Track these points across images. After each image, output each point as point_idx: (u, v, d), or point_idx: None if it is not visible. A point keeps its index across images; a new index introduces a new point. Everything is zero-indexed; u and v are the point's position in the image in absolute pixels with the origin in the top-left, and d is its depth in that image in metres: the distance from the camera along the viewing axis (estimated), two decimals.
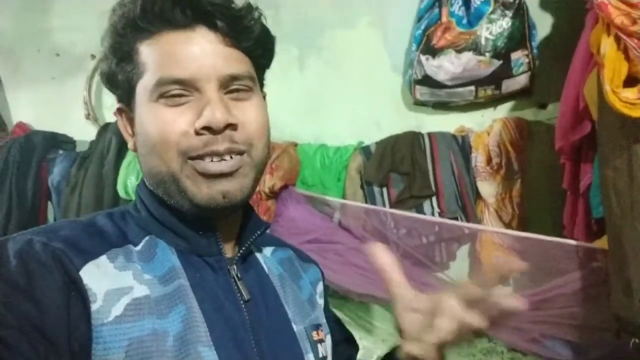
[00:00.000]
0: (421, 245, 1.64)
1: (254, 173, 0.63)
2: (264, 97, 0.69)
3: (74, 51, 2.45)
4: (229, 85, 0.61)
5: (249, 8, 0.62)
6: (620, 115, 0.99)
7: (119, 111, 0.66)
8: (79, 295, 0.51)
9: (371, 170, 1.75)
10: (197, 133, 0.58)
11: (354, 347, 0.84)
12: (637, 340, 0.97)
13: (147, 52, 0.60)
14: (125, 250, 0.58)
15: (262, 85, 0.69)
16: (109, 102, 2.37)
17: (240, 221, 0.68)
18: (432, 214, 1.68)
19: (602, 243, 1.20)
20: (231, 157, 0.60)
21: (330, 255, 1.61)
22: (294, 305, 0.70)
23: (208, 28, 0.60)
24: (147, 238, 0.61)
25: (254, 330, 0.61)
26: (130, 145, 0.66)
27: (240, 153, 0.61)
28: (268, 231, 0.72)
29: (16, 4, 2.54)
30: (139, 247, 0.59)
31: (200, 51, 0.59)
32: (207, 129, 0.58)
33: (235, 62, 0.61)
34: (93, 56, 2.40)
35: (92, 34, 2.36)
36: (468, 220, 1.65)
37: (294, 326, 0.68)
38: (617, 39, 0.93)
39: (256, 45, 0.63)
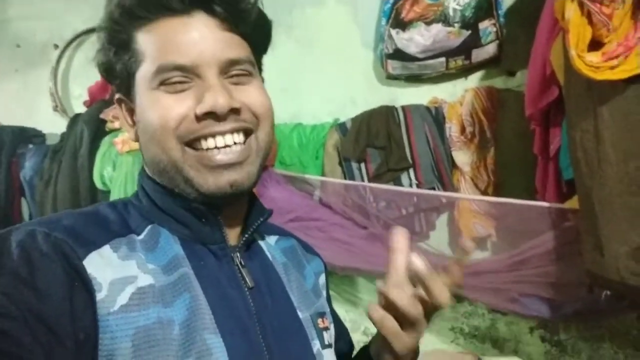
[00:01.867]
0: (401, 217, 1.68)
1: (260, 159, 0.63)
2: (262, 82, 0.69)
3: (36, 41, 2.38)
4: (229, 70, 0.60)
5: None
6: (586, 78, 1.03)
7: (119, 101, 0.65)
8: (83, 285, 0.51)
9: (348, 146, 1.77)
10: (198, 119, 0.58)
11: (351, 346, 0.84)
12: (608, 293, 1.02)
13: (145, 40, 0.59)
14: (128, 240, 0.57)
15: (260, 70, 0.69)
16: (77, 92, 2.32)
17: (245, 209, 0.68)
18: (410, 186, 1.71)
19: (572, 203, 1.25)
20: (235, 143, 0.59)
21: (313, 232, 1.63)
22: (299, 293, 0.70)
23: (206, 13, 0.59)
24: (149, 227, 0.60)
25: (259, 317, 0.61)
26: (131, 135, 0.65)
27: (248, 132, 0.61)
28: (270, 221, 0.72)
29: None
30: (141, 237, 0.59)
31: (199, 37, 0.58)
32: (210, 114, 0.57)
33: (235, 47, 0.61)
34: (56, 46, 2.34)
35: (53, 22, 2.31)
36: (445, 190, 1.69)
37: (299, 313, 0.67)
38: (581, 4, 0.96)
39: (254, 30, 0.63)
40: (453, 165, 1.72)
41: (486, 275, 1.32)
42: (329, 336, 0.71)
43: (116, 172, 1.75)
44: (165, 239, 0.60)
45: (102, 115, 1.89)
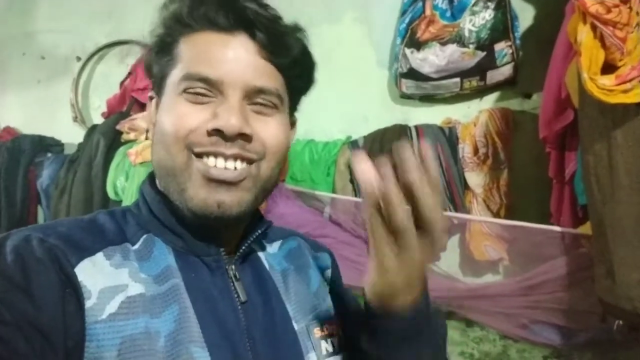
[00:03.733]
0: None
1: (257, 189, 0.61)
2: (294, 123, 0.69)
3: (59, 53, 2.45)
4: (254, 97, 0.60)
5: (294, 27, 0.63)
6: (599, 102, 1.01)
7: (150, 99, 0.66)
8: (74, 291, 0.51)
9: None
10: (209, 133, 0.58)
11: None
12: (621, 323, 0.99)
13: (184, 46, 0.61)
14: (122, 248, 0.58)
15: (294, 109, 0.69)
16: (96, 104, 2.37)
17: (244, 222, 0.67)
18: None
19: (586, 229, 1.22)
20: (235, 168, 0.59)
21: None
22: (297, 301, 0.68)
23: (247, 36, 0.60)
24: (144, 237, 0.60)
25: (249, 332, 0.60)
26: (150, 134, 0.66)
27: (250, 162, 0.60)
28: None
29: (0, 8, 2.53)
30: (136, 246, 0.59)
31: (234, 56, 0.59)
32: (219, 132, 0.57)
33: (266, 76, 0.60)
34: (79, 58, 2.40)
35: (76, 36, 2.38)
36: (457, 211, 1.66)
37: (294, 325, 0.66)
38: (593, 27, 0.95)
39: (293, 65, 0.63)
40: (465, 186, 1.70)
41: (496, 298, 1.29)
42: (332, 344, 0.68)
43: (128, 182, 1.77)
44: (160, 250, 0.60)
45: (118, 127, 1.93)
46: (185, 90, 0.58)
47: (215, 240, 0.62)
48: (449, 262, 1.70)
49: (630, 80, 0.92)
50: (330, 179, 1.84)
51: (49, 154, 2.20)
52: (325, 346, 0.68)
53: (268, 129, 0.61)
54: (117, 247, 0.57)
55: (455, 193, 1.67)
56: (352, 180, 1.81)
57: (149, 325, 0.53)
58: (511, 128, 1.71)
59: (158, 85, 0.63)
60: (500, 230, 1.48)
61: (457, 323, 1.85)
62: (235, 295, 0.61)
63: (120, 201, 1.82)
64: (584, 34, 0.95)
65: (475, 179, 1.65)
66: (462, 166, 1.69)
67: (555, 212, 1.53)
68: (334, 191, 1.82)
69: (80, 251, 0.54)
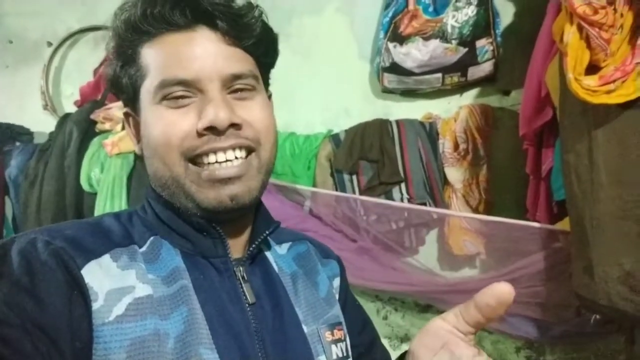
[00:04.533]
0: (391, 231, 1.66)
1: (262, 175, 0.63)
2: (270, 97, 0.69)
3: (29, 37, 2.35)
4: (231, 84, 0.60)
5: (249, 6, 0.62)
6: (582, 102, 1.03)
7: (126, 115, 0.66)
8: (81, 294, 0.51)
9: (341, 158, 1.76)
10: (200, 134, 0.58)
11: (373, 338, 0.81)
12: (597, 317, 1.02)
13: (149, 54, 0.59)
14: (129, 250, 0.57)
15: (267, 85, 0.69)
16: (68, 91, 2.29)
17: (250, 222, 0.67)
18: (402, 200, 1.70)
19: (563, 225, 1.25)
20: (236, 157, 0.59)
21: None
22: (307, 305, 0.68)
23: (209, 28, 0.59)
24: (151, 239, 0.60)
25: (259, 334, 0.60)
26: (137, 149, 0.65)
27: (249, 150, 0.61)
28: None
29: None
30: (143, 248, 0.59)
31: (202, 51, 0.58)
32: (210, 129, 0.57)
33: (238, 61, 0.60)
34: (50, 43, 2.31)
35: (47, 19, 2.28)
36: (436, 206, 1.68)
37: (304, 327, 0.65)
38: (580, 28, 0.96)
39: (258, 44, 0.62)
40: (445, 181, 1.72)
41: (474, 293, 1.31)
42: (342, 349, 0.68)
43: (104, 174, 1.72)
44: (167, 251, 0.60)
45: (92, 116, 1.86)
46: (164, 98, 0.58)
47: (222, 242, 0.62)
48: (427, 256, 1.72)
49: (613, 82, 0.94)
50: (311, 173, 1.83)
51: (18, 143, 2.12)
52: (336, 350, 0.67)
53: (254, 113, 0.61)
54: (124, 249, 0.57)
55: (435, 188, 1.69)
56: (333, 174, 1.81)
57: (157, 326, 0.53)
58: (491, 124, 1.73)
59: (132, 99, 0.62)
60: (479, 226, 1.51)
61: (433, 315, 1.87)
62: (244, 297, 0.61)
63: (95, 193, 1.76)
64: (571, 35, 0.96)
65: (455, 174, 1.67)
66: (442, 161, 1.71)
67: (531, 207, 1.56)
68: (314, 185, 1.81)
69: (86, 253, 0.54)
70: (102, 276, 0.53)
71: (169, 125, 0.58)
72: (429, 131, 1.78)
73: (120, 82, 0.62)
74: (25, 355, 0.47)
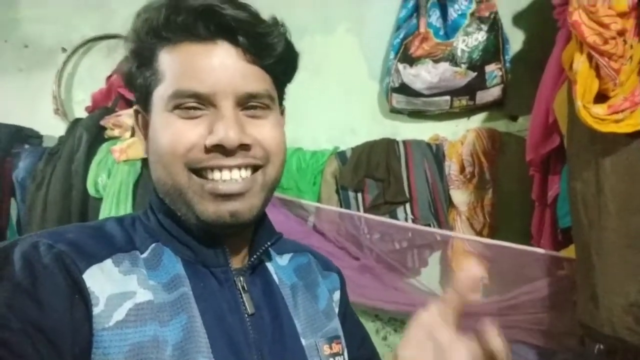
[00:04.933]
0: (394, 251, 1.66)
1: (265, 192, 0.62)
2: (283, 112, 0.69)
3: (44, 43, 2.38)
4: (246, 103, 0.60)
5: (274, 24, 0.61)
6: (590, 130, 1.04)
7: (136, 112, 0.66)
8: (82, 298, 0.51)
9: (347, 175, 1.77)
10: (207, 150, 0.57)
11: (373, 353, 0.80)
12: (601, 347, 1.01)
13: (167, 60, 0.59)
14: (131, 256, 0.57)
15: (282, 100, 0.69)
16: (80, 97, 2.32)
17: (252, 232, 0.67)
18: (406, 220, 1.70)
19: (568, 252, 1.24)
20: (241, 177, 0.59)
21: None
22: (306, 317, 0.68)
23: (230, 43, 0.59)
24: (153, 245, 0.60)
25: (258, 345, 0.60)
26: (143, 148, 0.65)
27: (256, 168, 0.61)
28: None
29: None
30: (145, 255, 0.59)
31: (220, 65, 0.58)
32: (219, 147, 0.57)
33: (255, 80, 0.60)
34: (64, 49, 2.34)
35: (63, 26, 2.32)
36: (440, 227, 1.68)
37: (302, 340, 0.65)
38: (589, 57, 0.98)
39: (278, 63, 0.62)
40: (450, 203, 1.72)
41: (476, 317, 1.30)
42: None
43: (111, 180, 1.73)
44: (168, 258, 0.60)
45: (102, 122, 1.88)
46: (176, 107, 0.58)
47: (224, 252, 0.62)
48: (429, 277, 1.72)
49: (622, 111, 0.95)
50: (317, 189, 1.84)
51: (27, 146, 2.13)
52: None
53: (265, 132, 0.61)
54: (125, 255, 0.57)
55: (439, 210, 1.69)
56: (338, 191, 1.81)
57: (157, 333, 0.53)
58: (497, 149, 1.74)
59: (144, 100, 0.62)
60: (483, 249, 1.50)
61: None
62: (244, 308, 0.61)
63: (100, 198, 1.77)
64: (580, 63, 0.97)
65: (460, 197, 1.67)
66: (448, 183, 1.71)
67: (536, 233, 1.56)
68: (319, 201, 1.81)
69: (88, 257, 0.53)
70: (104, 281, 0.53)
71: (177, 134, 0.57)
72: (436, 153, 1.78)
73: (134, 81, 0.62)
74: (26, 358, 0.46)
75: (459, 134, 1.82)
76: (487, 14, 1.71)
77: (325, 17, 2.00)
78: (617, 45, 0.95)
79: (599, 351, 1.02)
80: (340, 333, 0.71)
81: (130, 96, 1.99)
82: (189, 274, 0.59)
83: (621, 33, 0.95)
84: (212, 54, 0.58)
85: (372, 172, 1.75)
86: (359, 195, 1.77)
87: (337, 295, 0.76)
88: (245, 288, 0.62)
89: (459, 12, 1.74)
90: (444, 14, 1.77)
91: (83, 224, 0.61)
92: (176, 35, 0.58)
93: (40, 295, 0.49)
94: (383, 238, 1.66)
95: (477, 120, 1.85)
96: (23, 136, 2.17)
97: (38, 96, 2.35)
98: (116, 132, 1.86)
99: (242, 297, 0.61)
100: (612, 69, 0.96)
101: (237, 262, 0.64)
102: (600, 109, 0.97)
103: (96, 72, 2.24)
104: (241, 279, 0.62)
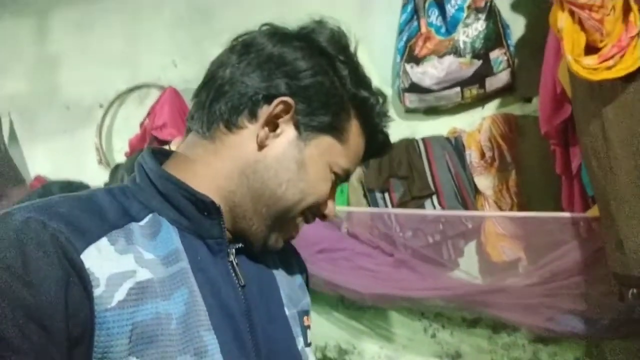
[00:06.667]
0: (428, 245, 1.68)
1: None
2: None
3: (83, 103, 2.61)
4: None
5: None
6: (589, 85, 1.07)
7: (286, 105, 0.61)
8: (80, 280, 0.49)
9: (371, 177, 1.82)
10: (307, 215, 0.66)
11: None
12: (635, 291, 0.99)
13: (353, 130, 0.65)
14: (125, 232, 0.55)
15: None
16: (119, 146, 2.50)
17: None
18: None
19: (595, 211, 1.24)
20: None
21: (339, 262, 1.66)
22: (288, 289, 0.71)
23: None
24: (150, 215, 0.58)
25: (249, 316, 0.61)
26: (257, 132, 0.61)
27: None
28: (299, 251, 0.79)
29: (29, 64, 2.73)
30: (142, 223, 0.57)
31: None
32: (322, 216, 0.67)
33: None
34: (101, 105, 2.55)
35: (99, 84, 2.54)
36: None
37: (286, 310, 0.68)
38: (571, 13, 1.02)
39: None
40: (476, 191, 1.74)
41: (515, 290, 1.30)
42: (309, 336, 0.72)
43: None
44: (166, 230, 0.58)
45: None
46: (336, 174, 0.65)
47: (220, 224, 0.61)
48: (467, 267, 1.72)
49: (612, 57, 0.98)
50: (345, 197, 1.89)
51: None
52: (309, 335, 0.71)
53: None
54: (120, 231, 0.55)
55: (467, 198, 1.71)
56: (366, 195, 1.86)
57: (159, 309, 0.52)
58: (515, 131, 1.76)
59: (310, 118, 0.62)
60: (514, 229, 1.51)
61: (483, 330, 1.84)
62: (236, 279, 0.62)
63: None
64: (563, 20, 1.02)
65: (485, 182, 1.69)
66: (471, 171, 1.73)
67: (567, 207, 1.55)
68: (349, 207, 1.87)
69: (84, 236, 0.51)
70: (102, 261, 0.51)
71: (324, 194, 0.64)
72: (455, 145, 1.82)
73: (323, 95, 0.62)
74: (13, 347, 0.46)
75: (475, 124, 1.85)
76: (482, 4, 1.77)
77: None
78: None
79: (634, 295, 1.00)
80: (310, 309, 0.76)
81: (163, 136, 2.14)
82: (185, 246, 0.58)
83: None
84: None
85: (395, 171, 1.80)
86: (386, 195, 1.82)
87: (305, 277, 0.80)
88: (237, 260, 0.63)
89: (456, 7, 1.81)
90: (443, 12, 1.84)
91: (72, 195, 0.57)
92: (379, 122, 0.68)
93: (32, 278, 0.47)
94: (416, 234, 1.68)
95: (491, 108, 1.87)
96: (73, 188, 2.32)
97: (82, 151, 2.55)
98: None
99: (234, 269, 0.62)
100: (594, 20, 0.99)
101: (228, 234, 0.64)
102: (591, 60, 1.00)
103: (131, 121, 2.42)
104: (233, 251, 0.63)
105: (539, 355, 1.75)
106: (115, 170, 2.11)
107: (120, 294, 0.51)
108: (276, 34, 0.63)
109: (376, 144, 0.68)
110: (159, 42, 2.46)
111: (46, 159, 2.66)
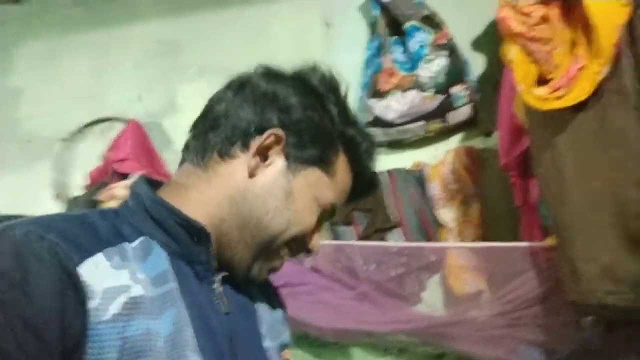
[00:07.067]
0: (391, 279, 1.65)
1: None
2: None
3: (44, 136, 2.54)
4: None
5: None
6: (542, 114, 1.09)
7: (277, 136, 0.64)
8: (75, 292, 0.50)
9: None
10: (291, 245, 0.67)
11: None
12: (591, 319, 0.98)
13: (340, 165, 0.68)
14: (119, 249, 0.56)
15: None
16: (78, 181, 2.42)
17: None
18: None
19: (553, 241, 1.24)
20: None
21: (302, 297, 1.61)
22: (270, 322, 0.72)
23: None
24: (141, 238, 0.60)
25: (231, 343, 0.62)
26: (246, 162, 0.64)
27: None
28: None
29: None
30: (134, 244, 0.58)
31: None
32: (306, 250, 0.68)
33: None
34: (64, 139, 2.49)
35: (62, 118, 2.49)
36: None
37: (267, 342, 0.69)
38: (523, 46, 1.05)
39: None
40: (439, 224, 1.73)
41: (478, 323, 1.28)
42: None
43: None
44: (157, 253, 0.60)
45: (97, 197, 1.96)
46: (322, 208, 0.66)
47: (207, 250, 0.63)
48: (431, 300, 1.68)
49: (561, 87, 1.00)
50: None
51: None
52: None
53: None
54: (114, 249, 0.56)
55: (429, 231, 1.70)
56: (330, 229, 1.84)
57: (150, 326, 0.54)
58: (477, 163, 1.78)
59: (299, 150, 0.65)
60: (476, 260, 1.50)
61: None
62: (220, 306, 0.64)
63: None
64: (514, 52, 1.04)
65: (447, 214, 1.69)
66: (434, 204, 1.73)
67: (526, 238, 1.55)
68: None
69: (81, 250, 0.53)
70: (98, 274, 0.52)
71: (310, 225, 0.65)
72: (419, 178, 1.83)
73: (305, 126, 0.65)
74: (9, 355, 0.46)
75: (439, 158, 1.87)
76: (444, 41, 1.83)
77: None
78: (543, 30, 1.02)
79: (590, 324, 0.99)
80: (290, 344, 0.76)
81: (123, 170, 2.09)
82: (174, 269, 0.60)
83: (545, 19, 1.02)
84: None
85: (358, 204, 1.78)
86: (351, 228, 1.80)
87: (285, 313, 0.80)
88: (221, 288, 0.65)
89: (419, 44, 1.86)
90: (406, 49, 1.89)
91: (65, 213, 0.63)
92: (364, 162, 0.70)
93: (30, 289, 0.48)
94: (379, 267, 1.65)
95: (454, 142, 1.89)
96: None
97: (41, 186, 2.46)
98: (111, 204, 1.93)
99: (218, 296, 0.64)
100: (544, 52, 1.02)
101: (215, 262, 0.65)
102: (541, 90, 1.02)
103: (93, 155, 2.35)
104: (219, 278, 0.65)
105: None
106: (73, 203, 2.04)
107: (114, 308, 0.52)
108: (270, 73, 0.68)
109: (363, 182, 0.71)
110: (126, 76, 2.43)
111: (2, 193, 2.56)
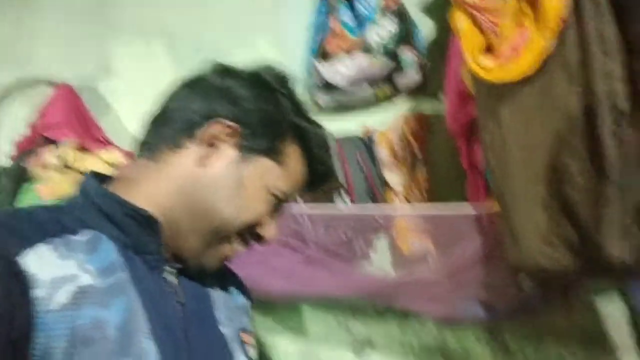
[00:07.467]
0: (341, 242, 1.68)
1: None
2: None
3: None
4: None
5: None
6: (488, 85, 1.11)
7: (225, 126, 0.66)
8: (17, 281, 0.51)
9: None
10: (244, 234, 0.69)
11: None
12: (530, 283, 1.06)
13: (290, 153, 0.70)
14: (65, 241, 0.57)
15: None
16: (6, 149, 2.26)
17: None
18: None
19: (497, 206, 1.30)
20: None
21: (252, 266, 1.60)
22: (225, 308, 0.74)
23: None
24: (88, 232, 0.60)
25: (186, 332, 0.64)
26: (194, 155, 0.67)
27: None
28: None
29: None
30: (78, 237, 0.59)
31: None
32: (259, 238, 0.70)
33: None
34: None
35: None
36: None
37: (222, 329, 0.72)
38: (470, 15, 1.05)
39: None
40: (386, 186, 1.77)
41: (425, 283, 1.34)
42: (253, 353, 0.76)
43: None
44: (105, 246, 0.61)
45: (25, 165, 1.84)
46: (275, 196, 0.68)
47: (157, 241, 0.65)
48: (379, 261, 1.74)
49: (506, 59, 1.02)
50: None
51: None
52: (252, 352, 0.76)
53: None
54: (59, 240, 0.57)
55: (377, 194, 1.74)
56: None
57: (98, 315, 0.55)
58: (425, 129, 1.81)
59: (250, 140, 0.67)
60: (422, 223, 1.55)
61: (393, 318, 1.85)
62: (173, 295, 0.66)
63: None
64: (462, 22, 1.05)
65: (395, 178, 1.73)
66: (382, 168, 1.76)
67: (473, 200, 1.61)
68: None
69: (21, 241, 0.53)
70: (42, 264, 0.53)
71: (261, 215, 0.67)
72: (368, 143, 1.84)
73: (251, 120, 0.67)
74: None
75: (388, 123, 1.88)
76: (394, 7, 1.80)
77: (242, 33, 2.05)
78: (492, 0, 1.02)
79: (530, 288, 1.07)
80: (251, 329, 0.79)
81: (55, 136, 1.94)
82: (125, 259, 0.61)
83: None
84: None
85: None
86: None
87: (245, 299, 0.83)
88: (176, 280, 0.68)
89: (367, 8, 1.83)
90: (355, 12, 1.86)
91: (8, 208, 0.64)
92: (311, 155, 0.73)
93: None
94: (328, 231, 1.68)
95: (403, 108, 1.91)
96: None
97: None
98: (40, 172, 1.81)
99: (171, 285, 0.66)
100: (492, 23, 1.03)
101: (167, 252, 0.67)
102: (488, 61, 1.04)
103: (18, 122, 2.18)
104: (171, 269, 0.67)
105: (447, 339, 1.80)
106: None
107: (61, 297, 0.53)
108: (225, 70, 0.71)
109: (317, 173, 0.74)
110: (53, 35, 2.24)
111: None
